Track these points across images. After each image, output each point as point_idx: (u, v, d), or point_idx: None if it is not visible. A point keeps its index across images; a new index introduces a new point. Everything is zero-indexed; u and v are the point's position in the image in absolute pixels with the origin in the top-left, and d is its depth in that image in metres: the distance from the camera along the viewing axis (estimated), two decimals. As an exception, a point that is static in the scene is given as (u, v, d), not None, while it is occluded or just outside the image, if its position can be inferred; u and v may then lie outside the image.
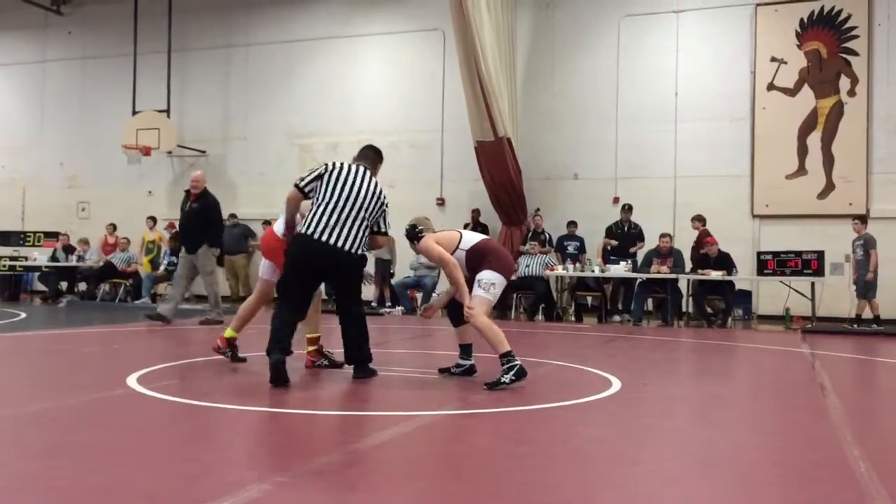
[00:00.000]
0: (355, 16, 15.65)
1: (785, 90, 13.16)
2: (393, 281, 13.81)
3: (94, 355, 7.00)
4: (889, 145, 12.61)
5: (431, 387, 5.40)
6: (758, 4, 13.24)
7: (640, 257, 12.38)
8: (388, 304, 13.77)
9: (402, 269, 13.99)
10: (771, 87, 13.21)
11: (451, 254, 5.41)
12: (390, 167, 15.05)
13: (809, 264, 11.12)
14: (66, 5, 17.90)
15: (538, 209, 13.75)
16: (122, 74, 16.58)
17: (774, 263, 11.34)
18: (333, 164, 5.43)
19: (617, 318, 12.17)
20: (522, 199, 13.79)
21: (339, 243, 5.25)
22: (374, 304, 13.94)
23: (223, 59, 16.54)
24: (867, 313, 11.28)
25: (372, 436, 3.70)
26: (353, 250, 5.29)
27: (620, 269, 11.95)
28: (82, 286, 15.13)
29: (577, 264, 12.36)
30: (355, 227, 5.29)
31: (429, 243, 5.47)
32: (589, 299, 12.76)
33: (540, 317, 12.25)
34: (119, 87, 16.69)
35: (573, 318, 12.45)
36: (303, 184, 5.47)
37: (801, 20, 13.06)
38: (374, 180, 5.47)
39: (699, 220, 12.11)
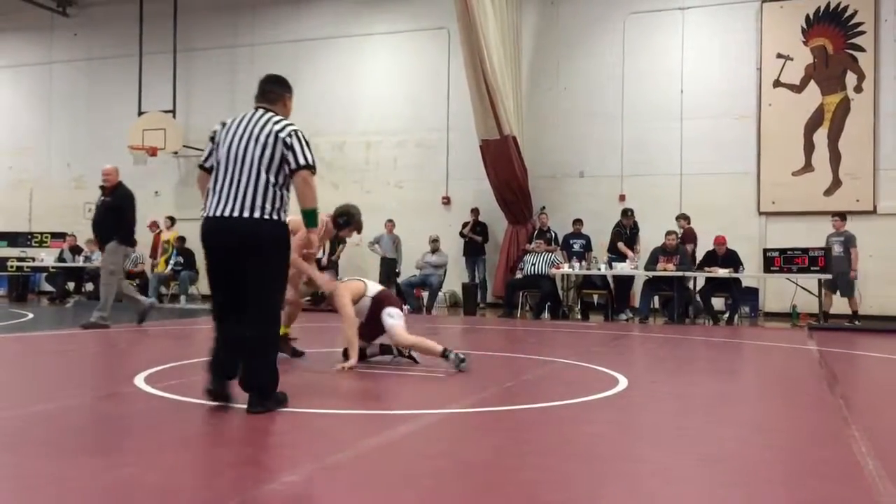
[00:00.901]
0: (360, 15, 15.66)
1: (791, 87, 13.13)
2: (399, 280, 13.83)
3: (102, 355, 7.03)
4: (896, 141, 12.58)
5: (438, 385, 5.41)
6: (763, 1, 13.22)
7: (640, 258, 12.36)
8: (395, 303, 13.78)
9: (408, 269, 14.01)
10: (777, 83, 13.18)
11: (358, 300, 6.04)
12: (396, 167, 15.37)
13: (816, 261, 11.10)
14: (72, 7, 17.97)
15: (544, 207, 13.74)
16: (127, 75, 16.64)
17: (781, 260, 11.32)
18: (223, 123, 4.33)
19: (623, 316, 12.16)
20: (528, 198, 13.79)
21: (237, 211, 4.06)
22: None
23: (228, 59, 16.58)
24: (842, 308, 11.36)
25: (380, 434, 3.71)
26: (261, 216, 4.06)
27: (626, 268, 11.94)
28: (89, 286, 15.17)
29: (583, 262, 12.35)
30: (251, 185, 4.08)
31: (342, 301, 5.96)
32: (595, 297, 12.75)
33: (546, 315, 12.25)
34: (125, 87, 16.74)
35: (579, 317, 12.45)
36: (205, 163, 4.37)
37: (807, 16, 13.03)
38: (270, 118, 4.22)
39: (684, 218, 12.19)
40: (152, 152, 15.52)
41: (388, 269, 14.07)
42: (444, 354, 5.81)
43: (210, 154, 4.28)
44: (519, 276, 12.85)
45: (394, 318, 6.02)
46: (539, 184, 14.05)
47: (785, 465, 3.37)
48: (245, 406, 4.13)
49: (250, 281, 4.07)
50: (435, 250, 13.54)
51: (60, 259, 15.42)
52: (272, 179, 4.10)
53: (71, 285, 15.38)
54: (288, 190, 4.21)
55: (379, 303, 6.09)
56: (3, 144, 18.39)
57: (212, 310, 4.28)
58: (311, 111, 15.97)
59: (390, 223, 14.22)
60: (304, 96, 16.12)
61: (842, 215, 11.67)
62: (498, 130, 13.03)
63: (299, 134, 4.20)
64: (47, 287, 16.11)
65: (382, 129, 15.48)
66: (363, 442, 3.56)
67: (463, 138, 14.35)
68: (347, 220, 6.29)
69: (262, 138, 4.12)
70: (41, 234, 16.03)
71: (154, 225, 16.10)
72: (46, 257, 15.46)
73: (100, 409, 4.08)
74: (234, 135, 4.16)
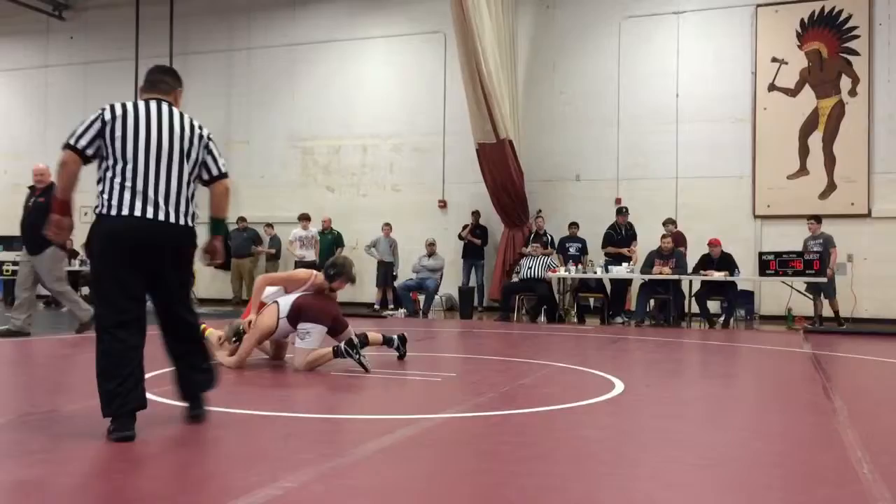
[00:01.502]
0: (357, 19, 15.69)
1: (786, 90, 13.18)
2: (395, 283, 13.84)
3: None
4: (890, 145, 12.63)
5: (435, 390, 5.41)
6: (758, 5, 13.27)
7: (636, 259, 12.39)
8: (391, 306, 13.80)
9: (405, 272, 14.02)
10: (772, 87, 13.23)
11: (274, 330, 6.10)
12: (393, 170, 15.38)
13: (811, 264, 11.14)
14: (68, 11, 17.97)
15: (540, 211, 13.77)
16: (124, 79, 16.62)
17: (776, 264, 11.36)
18: (113, 109, 3.74)
19: (619, 319, 12.18)
20: (524, 201, 13.81)
21: (166, 216, 3.73)
22: (376, 306, 13.97)
23: (225, 62, 16.59)
24: (828, 311, 11.42)
25: (377, 439, 3.71)
26: (185, 222, 3.81)
27: (622, 271, 11.97)
28: (85, 290, 15.13)
29: (579, 266, 12.37)
30: (181, 188, 3.80)
31: (245, 345, 6.07)
32: (591, 300, 12.77)
33: (542, 318, 12.27)
34: (121, 91, 16.66)
35: (575, 320, 12.47)
36: (81, 142, 3.69)
37: (802, 20, 13.08)
38: (183, 114, 3.92)
39: (672, 223, 12.26)
40: (148, 156, 15.47)
41: (386, 273, 14.08)
42: (338, 353, 5.89)
43: (94, 140, 3.69)
44: (515, 279, 12.87)
45: (303, 340, 5.99)
46: (535, 187, 14.08)
47: (781, 469, 3.39)
48: (232, 410, 4.12)
49: (178, 281, 3.92)
50: (431, 254, 13.55)
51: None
52: (192, 181, 3.87)
53: (67, 289, 15.32)
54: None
55: (295, 318, 6.05)
56: (-1, 148, 18.37)
57: (105, 319, 3.75)
58: (307, 115, 16.03)
59: (387, 227, 14.23)
60: (300, 100, 16.19)
61: (817, 218, 11.75)
62: (494, 134, 13.05)
63: (213, 138, 4.04)
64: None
65: (379, 132, 15.50)
66: (362, 447, 3.57)
67: (459, 142, 14.38)
68: (338, 271, 6.25)
69: (185, 136, 3.83)
70: (37, 238, 16.00)
71: None
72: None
73: (93, 414, 4.07)
74: (148, 127, 3.73)
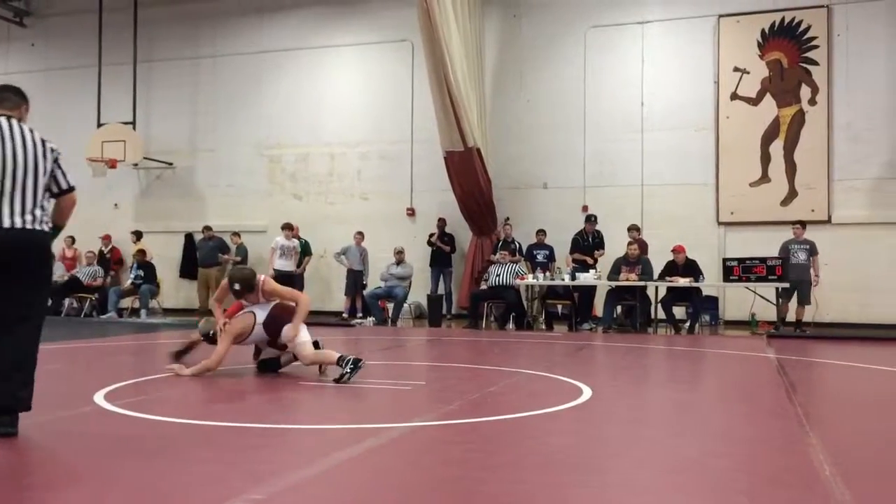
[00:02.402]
0: (324, 27, 15.65)
1: (748, 99, 13.41)
2: (364, 291, 13.78)
3: (60, 372, 6.88)
4: (849, 153, 12.91)
5: (403, 399, 5.40)
6: (720, 16, 13.49)
7: (601, 266, 12.48)
8: (360, 314, 13.74)
9: (374, 280, 13.98)
10: (734, 96, 13.45)
11: (251, 332, 6.17)
12: (360, 178, 15.35)
13: (774, 270, 11.33)
14: (29, 17, 17.67)
15: (508, 218, 13.83)
16: (86, 86, 16.38)
17: (740, 270, 11.54)
18: None
19: (587, 325, 12.27)
20: (492, 209, 13.87)
21: (23, 224, 3.89)
22: (345, 314, 13.91)
23: (190, 70, 16.43)
24: (791, 316, 11.71)
25: (345, 449, 3.70)
26: (41, 228, 3.99)
27: (590, 278, 12.07)
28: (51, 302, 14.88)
29: (547, 273, 12.44)
30: (39, 197, 4.00)
31: (222, 342, 6.10)
32: (559, 307, 12.85)
33: (511, 325, 12.31)
34: (83, 99, 16.47)
35: (544, 327, 12.53)
36: None
37: (763, 31, 13.33)
38: (32, 130, 4.10)
39: (635, 229, 12.39)
40: (112, 164, 15.26)
41: (355, 281, 14.01)
42: (338, 362, 5.89)
43: None
44: (484, 286, 12.89)
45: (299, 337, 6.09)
46: (503, 195, 14.14)
47: (746, 473, 3.44)
48: (199, 421, 4.08)
49: (31, 296, 3.95)
50: (400, 262, 13.53)
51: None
52: (44, 194, 4.06)
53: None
54: None
55: (274, 322, 6.13)
56: (-43, 156, 17.97)
57: None
58: (274, 122, 15.92)
59: (359, 235, 14.16)
60: (267, 108, 16.08)
61: (802, 223, 11.97)
62: (462, 142, 13.09)
63: (60, 154, 4.22)
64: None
65: (346, 140, 15.46)
66: (329, 457, 3.55)
67: (427, 150, 14.39)
68: (242, 286, 6.28)
69: (37, 151, 4.02)
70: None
71: (107, 238, 15.88)
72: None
73: (58, 428, 3.99)
74: (2, 141, 3.94)
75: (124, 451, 3.68)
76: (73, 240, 15.76)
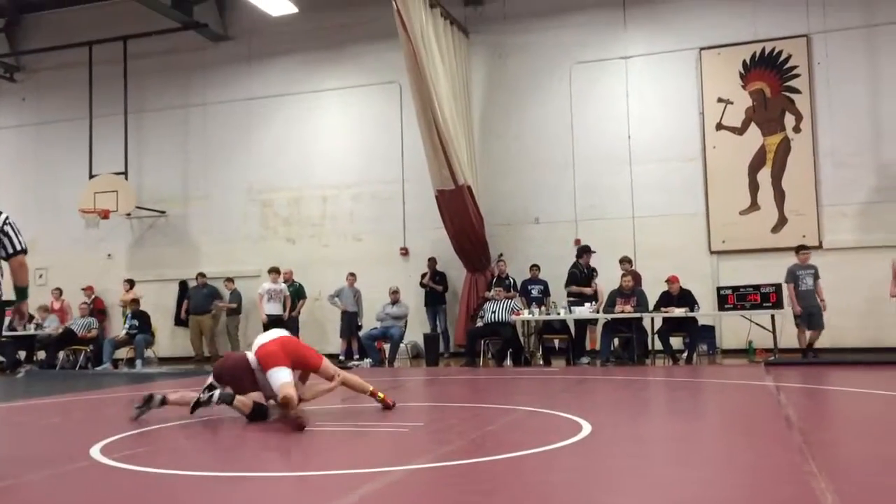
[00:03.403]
0: (312, 72, 15.83)
1: (733, 129, 13.57)
2: (360, 333, 13.74)
3: (56, 427, 6.83)
4: (836, 178, 13.04)
5: (401, 440, 5.37)
6: (702, 48, 13.72)
7: (602, 298, 12.49)
8: (356, 356, 13.68)
9: (369, 321, 13.95)
10: (720, 126, 13.62)
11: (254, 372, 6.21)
12: (353, 220, 15.40)
13: (768, 297, 11.36)
14: (20, 72, 17.84)
15: (501, 254, 13.87)
16: (77, 138, 16.50)
17: (734, 298, 11.56)
18: None
19: (584, 359, 12.23)
20: (485, 246, 13.91)
21: None
22: (341, 357, 13.85)
23: (181, 118, 16.57)
24: (795, 342, 11.65)
25: (344, 497, 3.66)
26: None
27: (585, 311, 12.07)
28: (41, 354, 14.78)
29: (542, 307, 12.44)
30: None
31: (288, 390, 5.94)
32: (556, 342, 12.83)
33: (508, 362, 12.26)
34: (75, 151, 16.57)
35: (541, 362, 12.48)
36: None
37: (744, 62, 13.55)
38: None
39: (627, 261, 12.43)
40: (104, 215, 15.31)
41: (350, 323, 13.99)
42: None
43: None
44: (480, 324, 12.87)
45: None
46: (495, 231, 14.20)
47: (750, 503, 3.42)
48: (197, 472, 4.03)
49: None
50: (395, 302, 13.52)
51: (10, 327, 14.99)
52: None
53: (22, 354, 14.92)
54: None
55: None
56: (-51, 212, 17.98)
57: None
58: (266, 168, 16.02)
59: (352, 276, 14.18)
60: (257, 153, 16.19)
61: (807, 248, 12.02)
62: (452, 180, 13.17)
63: (11, 221, 4.62)
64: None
65: (338, 182, 15.55)
66: (328, 504, 3.52)
67: (418, 189, 14.48)
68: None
69: None
70: (-10, 302, 15.60)
71: (90, 290, 15.85)
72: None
73: (55, 484, 3.95)
74: None
75: (121, 506, 3.64)
76: (60, 291, 15.73)
